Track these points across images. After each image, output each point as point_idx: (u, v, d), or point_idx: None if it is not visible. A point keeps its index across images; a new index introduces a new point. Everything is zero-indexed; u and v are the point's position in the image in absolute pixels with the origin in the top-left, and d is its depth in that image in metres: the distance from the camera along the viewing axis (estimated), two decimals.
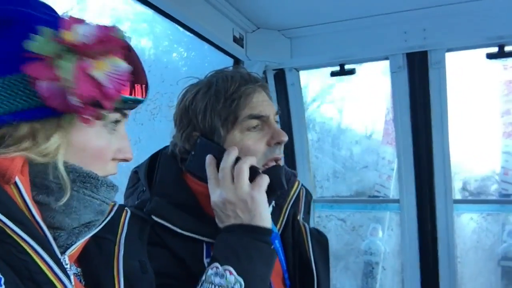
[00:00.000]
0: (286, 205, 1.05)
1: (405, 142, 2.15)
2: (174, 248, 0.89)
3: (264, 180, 0.89)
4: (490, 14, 1.89)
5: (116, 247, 0.73)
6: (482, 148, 2.56)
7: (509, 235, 2.27)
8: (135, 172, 1.03)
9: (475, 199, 2.56)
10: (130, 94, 0.66)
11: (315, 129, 2.68)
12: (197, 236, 0.91)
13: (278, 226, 1.03)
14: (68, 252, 0.65)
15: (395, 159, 2.36)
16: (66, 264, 0.65)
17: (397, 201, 2.24)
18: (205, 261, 0.89)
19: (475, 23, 1.92)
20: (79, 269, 0.70)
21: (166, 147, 1.04)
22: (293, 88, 2.33)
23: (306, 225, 1.05)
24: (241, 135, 0.94)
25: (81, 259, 0.70)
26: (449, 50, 2.03)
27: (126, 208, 0.78)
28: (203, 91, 0.96)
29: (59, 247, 0.63)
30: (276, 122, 0.99)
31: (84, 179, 0.63)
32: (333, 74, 2.25)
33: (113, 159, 0.70)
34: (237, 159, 0.90)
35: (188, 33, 1.79)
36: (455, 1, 1.88)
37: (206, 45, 1.92)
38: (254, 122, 0.95)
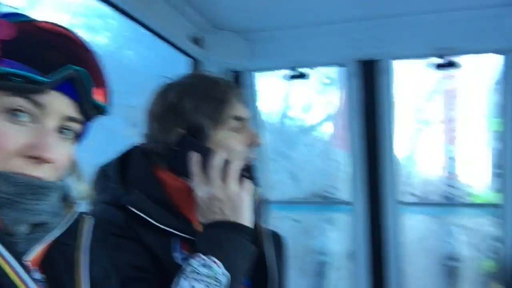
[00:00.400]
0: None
1: (357, 146, 2.24)
2: (148, 241, 0.90)
3: (251, 185, 0.95)
4: (434, 26, 2.01)
5: (79, 254, 0.72)
6: (428, 154, 2.70)
7: (451, 236, 2.41)
8: (103, 170, 1.04)
9: (421, 202, 2.70)
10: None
11: (271, 131, 2.74)
12: (172, 230, 0.93)
13: None
14: (29, 256, 0.64)
15: (347, 162, 2.45)
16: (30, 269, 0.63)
17: (349, 203, 2.33)
18: (174, 255, 0.92)
19: (421, 34, 2.04)
20: (43, 276, 0.68)
21: (136, 146, 1.06)
22: (250, 90, 2.38)
23: (263, 226, 1.08)
24: (225, 135, 1.00)
25: (45, 266, 0.69)
26: (396, 58, 2.15)
27: (88, 214, 0.77)
28: (191, 91, 1.01)
29: (20, 252, 0.61)
30: None
31: None
32: (288, 77, 2.31)
33: (23, 156, 0.62)
34: (226, 160, 0.95)
35: (146, 31, 1.79)
36: (403, 13, 1.99)
37: (164, 44, 1.92)
38: (237, 123, 1.01)
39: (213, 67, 2.20)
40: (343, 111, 2.31)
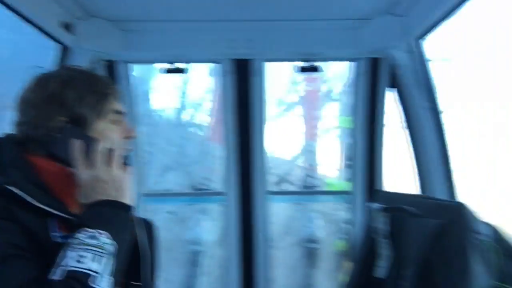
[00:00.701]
0: None
1: (230, 140, 2.36)
2: (25, 221, 0.91)
3: (131, 170, 1.06)
4: (301, 33, 2.22)
5: None
6: (292, 148, 2.97)
7: (311, 221, 2.70)
8: None
9: (286, 191, 2.96)
10: None
11: (147, 124, 2.70)
12: (49, 209, 0.94)
13: None
14: None
15: (220, 154, 2.56)
16: None
17: (221, 193, 2.45)
18: (52, 234, 0.94)
19: (290, 39, 2.23)
20: None
21: (7, 133, 1.07)
22: (124, 81, 2.32)
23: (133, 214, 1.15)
24: (106, 126, 1.07)
25: None
26: (268, 60, 2.32)
27: None
28: (74, 83, 1.06)
29: None
30: None
31: None
32: (165, 71, 2.32)
33: None
34: (108, 148, 1.04)
35: (13, 14, 1.62)
36: (274, 18, 2.16)
37: (33, 29, 1.76)
38: (116, 117, 1.09)
39: (84, 55, 2.09)
40: (218, 106, 2.41)
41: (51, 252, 0.88)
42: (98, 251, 0.86)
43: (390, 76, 2.26)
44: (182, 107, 2.96)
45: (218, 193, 2.53)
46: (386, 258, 1.67)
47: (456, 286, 1.26)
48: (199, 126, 2.98)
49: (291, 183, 2.89)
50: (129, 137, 1.12)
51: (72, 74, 1.09)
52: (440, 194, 2.05)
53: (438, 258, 1.36)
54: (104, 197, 0.96)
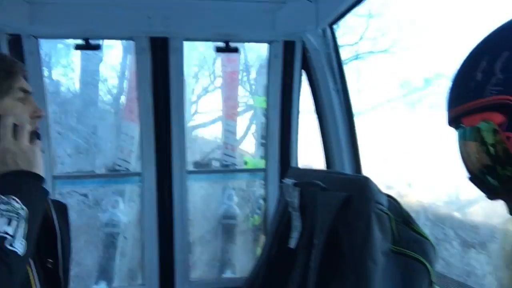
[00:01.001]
0: None
1: (147, 119, 2.32)
2: None
3: (40, 144, 1.09)
4: (220, 13, 2.24)
5: None
6: (210, 128, 3.02)
7: (228, 198, 2.78)
8: None
9: (203, 169, 2.99)
10: None
11: (59, 103, 2.55)
12: None
13: None
14: None
15: (136, 135, 2.51)
16: None
17: (138, 174, 2.42)
18: None
19: (209, 19, 2.24)
20: None
21: None
22: (31, 57, 2.16)
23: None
24: (12, 103, 1.09)
25: None
26: (186, 39, 2.31)
27: None
28: None
29: None
30: None
31: None
32: (77, 47, 2.21)
33: None
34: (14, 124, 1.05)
35: None
36: None
37: None
38: (23, 95, 1.11)
39: None
40: (134, 85, 2.36)
41: None
42: (10, 215, 0.90)
43: (303, 59, 2.37)
44: (95, 86, 2.84)
45: (135, 174, 2.49)
46: (298, 230, 1.80)
47: (359, 250, 1.40)
48: (113, 105, 2.89)
49: (211, 162, 2.93)
50: (36, 116, 1.14)
51: None
52: (346, 168, 2.24)
53: (344, 227, 1.50)
54: (15, 168, 1.00)
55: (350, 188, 1.51)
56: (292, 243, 1.81)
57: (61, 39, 2.33)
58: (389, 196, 1.52)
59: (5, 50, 2.03)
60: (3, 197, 0.92)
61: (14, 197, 0.93)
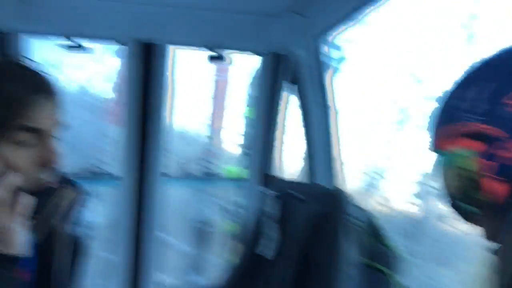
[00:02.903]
0: (51, 216, 0.98)
1: (130, 123, 2.32)
2: None
3: (3, 203, 0.77)
4: (209, 23, 2.26)
5: None
6: (194, 133, 3.02)
7: (206, 205, 2.78)
8: None
9: (183, 175, 2.99)
10: None
11: None
12: None
13: (41, 235, 0.95)
14: None
15: (118, 137, 2.51)
16: None
17: (117, 177, 2.40)
18: None
19: (198, 28, 2.25)
20: None
21: None
22: (19, 56, 2.14)
23: (61, 230, 1.01)
24: (7, 148, 0.80)
25: None
26: (173, 44, 2.32)
27: None
28: None
29: None
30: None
31: None
32: (65, 48, 2.20)
33: None
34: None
35: None
36: (183, 4, 2.17)
37: None
38: (27, 136, 0.82)
39: None
40: (120, 87, 2.35)
41: None
42: None
43: (292, 72, 2.40)
44: (80, 87, 2.83)
45: (113, 177, 2.48)
46: (274, 240, 1.81)
47: (330, 263, 1.42)
48: (95, 107, 2.87)
49: (193, 169, 2.92)
50: (45, 164, 0.84)
51: None
52: (325, 181, 2.26)
53: (317, 239, 1.52)
54: None
55: (325, 201, 1.53)
56: (268, 254, 1.82)
57: (48, 38, 2.30)
58: (362, 209, 1.54)
59: None
60: None
61: None
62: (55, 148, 0.84)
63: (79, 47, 2.19)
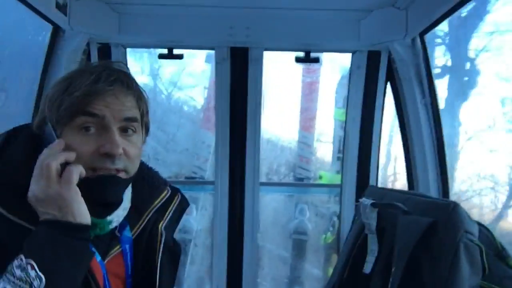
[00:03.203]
0: (148, 211, 1.03)
1: (223, 129, 2.33)
2: (0, 232, 0.83)
3: (71, 176, 0.84)
4: (301, 23, 2.19)
5: None
6: (285, 138, 2.97)
7: (300, 212, 2.70)
8: None
9: (276, 182, 2.94)
10: None
11: None
12: (23, 223, 0.84)
13: (134, 230, 1.01)
14: None
15: (213, 143, 2.54)
16: None
17: (212, 182, 2.43)
18: None
19: (290, 29, 2.20)
20: None
21: (27, 124, 0.95)
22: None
23: (164, 233, 1.04)
24: (71, 133, 0.89)
25: None
26: (266, 49, 2.29)
27: None
28: (61, 79, 0.92)
29: None
30: (131, 130, 0.94)
31: None
32: (161, 56, 2.28)
33: None
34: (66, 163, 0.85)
35: None
36: (275, 6, 2.13)
37: (21, 7, 1.71)
38: (88, 122, 0.89)
39: (77, 37, 2.04)
40: (213, 94, 2.38)
41: None
42: (21, 286, 0.75)
43: (389, 70, 2.24)
44: (176, 94, 2.93)
45: (208, 182, 2.51)
46: (374, 254, 1.67)
47: (443, 284, 1.25)
48: (192, 114, 2.95)
49: (284, 174, 2.87)
50: (103, 153, 0.88)
51: (70, 72, 0.95)
52: (432, 191, 2.05)
53: (426, 255, 1.35)
54: (46, 217, 0.82)
55: (435, 214, 1.36)
56: (367, 268, 1.68)
57: (146, 49, 2.41)
58: (480, 224, 1.34)
59: (95, 59, 2.15)
60: (22, 259, 0.77)
61: (32, 262, 0.76)
62: (115, 138, 0.89)
63: (175, 56, 2.25)
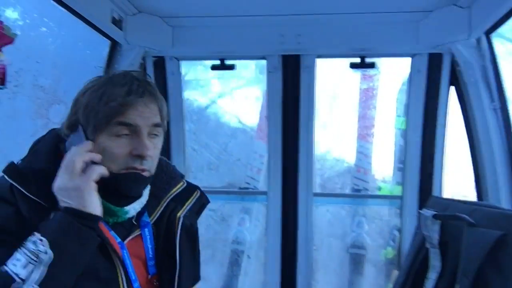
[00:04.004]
0: (165, 198, 1.14)
1: (275, 138, 2.30)
2: (22, 207, 0.95)
3: (92, 172, 0.96)
4: (355, 27, 2.12)
5: None
6: (341, 148, 2.87)
7: (358, 225, 2.58)
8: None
9: (332, 193, 2.85)
10: None
11: (193, 120, 2.71)
12: (39, 201, 0.96)
13: (153, 216, 1.12)
14: None
15: (265, 153, 2.51)
16: None
17: (265, 193, 2.39)
18: None
19: (343, 34, 2.13)
20: None
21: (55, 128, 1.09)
22: (173, 77, 2.33)
23: (182, 218, 1.13)
24: (108, 138, 1.00)
25: None
26: (319, 56, 2.23)
27: None
28: (94, 88, 1.01)
29: None
30: (155, 134, 1.05)
31: None
32: (214, 68, 2.31)
33: None
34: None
35: (61, 8, 1.66)
36: (327, 12, 2.07)
37: (81, 23, 1.80)
38: (123, 129, 1.00)
39: (133, 51, 2.12)
40: (267, 104, 2.36)
41: None
42: (31, 258, 0.87)
43: (453, 74, 2.10)
44: (229, 104, 2.95)
45: (261, 193, 2.47)
46: (436, 270, 1.54)
47: None
48: (245, 124, 2.95)
49: (340, 185, 2.78)
50: (136, 155, 1.00)
51: (105, 80, 1.03)
52: (503, 202, 1.87)
53: (495, 272, 1.22)
54: (65, 205, 0.94)
55: (505, 226, 1.22)
56: (429, 285, 1.55)
57: (199, 60, 2.45)
58: None
59: (151, 72, 2.21)
60: (36, 235, 0.89)
61: (42, 238, 0.89)
62: (146, 142, 1.01)
63: (227, 66, 2.26)
